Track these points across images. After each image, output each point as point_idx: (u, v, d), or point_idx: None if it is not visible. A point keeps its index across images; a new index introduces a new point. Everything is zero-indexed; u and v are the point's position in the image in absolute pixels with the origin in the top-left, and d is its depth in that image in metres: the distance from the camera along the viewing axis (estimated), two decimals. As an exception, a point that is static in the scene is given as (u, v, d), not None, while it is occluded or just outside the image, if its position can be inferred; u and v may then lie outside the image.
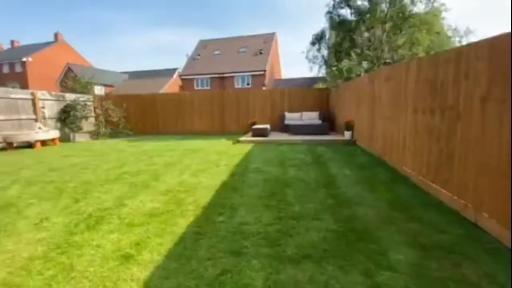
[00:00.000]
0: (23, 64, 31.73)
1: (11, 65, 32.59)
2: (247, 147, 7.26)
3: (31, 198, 3.52)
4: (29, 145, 7.75)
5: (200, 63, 28.48)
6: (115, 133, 11.01)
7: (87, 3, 70.64)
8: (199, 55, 29.81)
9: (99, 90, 14.10)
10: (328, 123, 9.13)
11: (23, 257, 2.16)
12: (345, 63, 11.56)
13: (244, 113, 11.16)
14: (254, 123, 10.31)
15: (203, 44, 31.42)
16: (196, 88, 27.47)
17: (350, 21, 15.42)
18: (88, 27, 72.27)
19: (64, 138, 9.25)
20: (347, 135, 7.63)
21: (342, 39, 15.45)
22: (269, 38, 29.15)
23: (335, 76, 11.73)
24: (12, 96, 8.02)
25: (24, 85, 29.46)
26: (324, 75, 18.37)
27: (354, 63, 11.50)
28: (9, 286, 1.80)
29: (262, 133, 8.60)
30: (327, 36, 18.08)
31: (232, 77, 26.33)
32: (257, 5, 73.44)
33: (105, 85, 29.36)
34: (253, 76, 25.84)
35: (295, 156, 6.00)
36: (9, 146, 7.51)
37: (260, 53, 27.41)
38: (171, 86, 30.55)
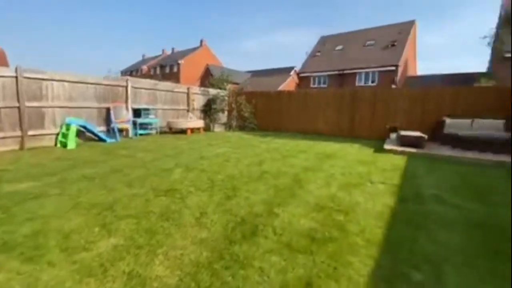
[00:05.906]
0: (178, 66, 40.47)
1: (171, 67, 42.30)
2: (397, 160, 5.76)
3: (191, 186, 3.69)
4: (182, 131, 9.24)
5: (318, 60, 27.43)
6: (242, 126, 11.81)
7: (222, 11, 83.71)
8: (319, 51, 28.79)
9: (228, 87, 15.86)
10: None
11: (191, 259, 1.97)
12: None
13: (380, 116, 9.40)
14: (394, 129, 8.48)
15: (324, 40, 30.11)
16: (312, 86, 26.72)
17: None
18: (221, 31, 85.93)
19: (206, 127, 10.60)
20: None
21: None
22: (406, 28, 24.55)
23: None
24: (175, 90, 9.79)
25: (177, 83, 37.53)
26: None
27: None
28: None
29: (415, 143, 6.72)
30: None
31: (353, 74, 23.85)
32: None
33: (233, 83, 33.29)
34: (381, 72, 22.50)
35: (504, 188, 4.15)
36: (169, 130, 9.24)
37: (393, 45, 23.48)
38: (288, 84, 31.15)
